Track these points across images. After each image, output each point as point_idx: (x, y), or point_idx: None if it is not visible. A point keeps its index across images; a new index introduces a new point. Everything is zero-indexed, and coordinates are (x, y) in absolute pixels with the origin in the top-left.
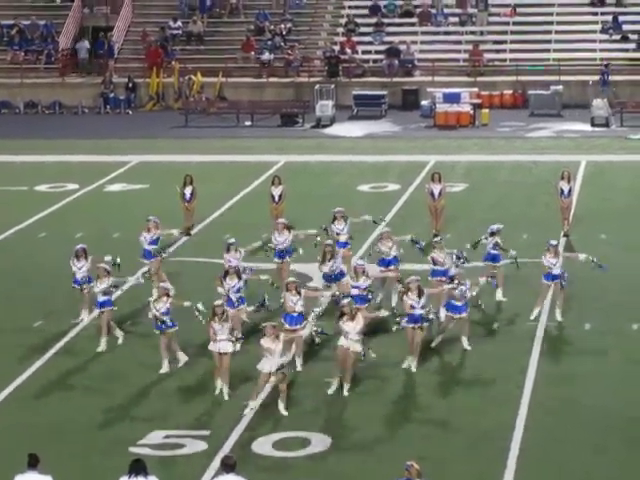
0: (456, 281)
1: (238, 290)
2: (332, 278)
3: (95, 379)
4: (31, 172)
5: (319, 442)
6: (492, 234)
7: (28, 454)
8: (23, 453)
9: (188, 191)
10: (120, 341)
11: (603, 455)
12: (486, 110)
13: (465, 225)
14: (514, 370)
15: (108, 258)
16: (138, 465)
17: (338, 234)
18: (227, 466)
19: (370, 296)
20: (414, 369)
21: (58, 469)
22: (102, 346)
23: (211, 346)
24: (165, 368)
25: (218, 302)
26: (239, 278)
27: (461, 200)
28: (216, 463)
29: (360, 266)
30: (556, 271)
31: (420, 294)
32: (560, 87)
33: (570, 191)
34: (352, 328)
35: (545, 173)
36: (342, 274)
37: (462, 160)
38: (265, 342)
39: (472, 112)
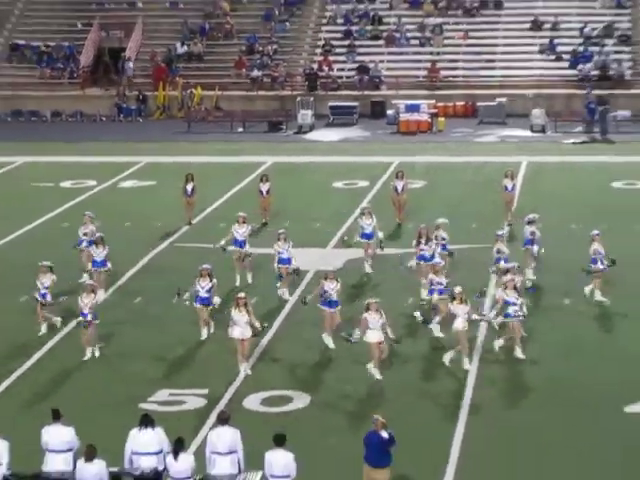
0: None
1: (208, 290)
2: (429, 258)
3: (111, 347)
4: (56, 171)
5: (300, 399)
6: (529, 223)
7: (52, 409)
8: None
9: (189, 187)
10: (59, 325)
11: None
12: (442, 119)
13: (424, 216)
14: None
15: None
16: (146, 419)
17: (364, 229)
18: (222, 420)
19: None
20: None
21: (78, 423)
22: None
23: (231, 332)
24: (204, 335)
25: (241, 294)
26: (210, 279)
27: (420, 195)
28: (213, 417)
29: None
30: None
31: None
32: (504, 99)
33: (513, 187)
34: (462, 310)
35: (492, 172)
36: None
37: (421, 161)
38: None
39: (430, 120)
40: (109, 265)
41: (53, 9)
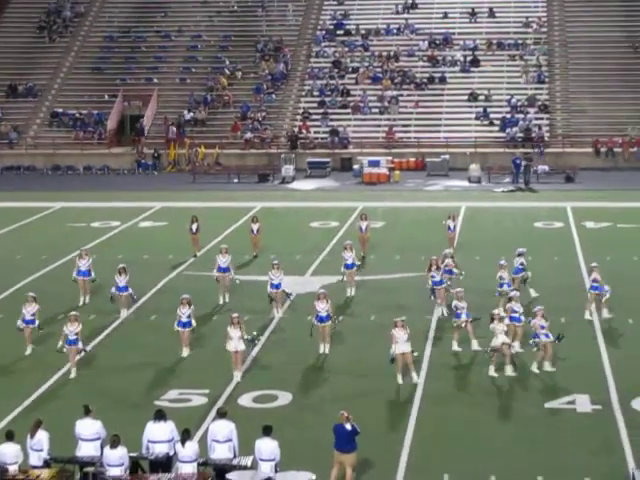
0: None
1: (189, 316)
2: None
3: (131, 356)
4: (87, 214)
5: (284, 398)
6: (519, 255)
7: (83, 406)
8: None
9: (194, 226)
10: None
11: None
12: (397, 172)
13: (383, 250)
14: None
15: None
16: (160, 413)
17: (346, 260)
18: (220, 414)
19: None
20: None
21: (105, 417)
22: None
23: (228, 346)
24: (185, 353)
25: (234, 314)
26: (189, 306)
27: (380, 233)
28: (213, 412)
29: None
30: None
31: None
32: (447, 156)
33: (455, 227)
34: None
35: (438, 214)
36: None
37: (381, 206)
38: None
39: (388, 173)
40: (130, 290)
41: (85, 84)
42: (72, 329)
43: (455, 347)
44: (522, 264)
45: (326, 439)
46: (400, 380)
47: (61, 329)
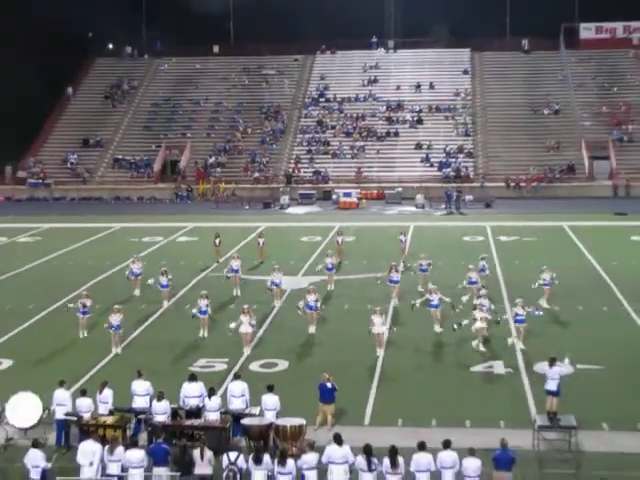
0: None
1: (207, 305)
2: (396, 282)
3: (171, 335)
4: (139, 231)
5: (282, 364)
6: (482, 258)
7: (137, 370)
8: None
9: (217, 240)
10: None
11: None
12: (364, 200)
13: (355, 257)
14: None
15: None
16: (193, 376)
17: (327, 264)
18: (236, 376)
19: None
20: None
21: (153, 379)
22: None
23: (240, 328)
24: (202, 334)
25: (245, 305)
26: (207, 299)
27: (352, 245)
28: (230, 375)
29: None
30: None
31: None
32: (400, 189)
33: (405, 241)
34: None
35: (393, 231)
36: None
37: (352, 225)
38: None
39: (357, 201)
40: (170, 287)
41: (138, 137)
42: (115, 318)
43: (437, 329)
44: (484, 266)
45: (313, 394)
46: (377, 353)
47: (107, 318)
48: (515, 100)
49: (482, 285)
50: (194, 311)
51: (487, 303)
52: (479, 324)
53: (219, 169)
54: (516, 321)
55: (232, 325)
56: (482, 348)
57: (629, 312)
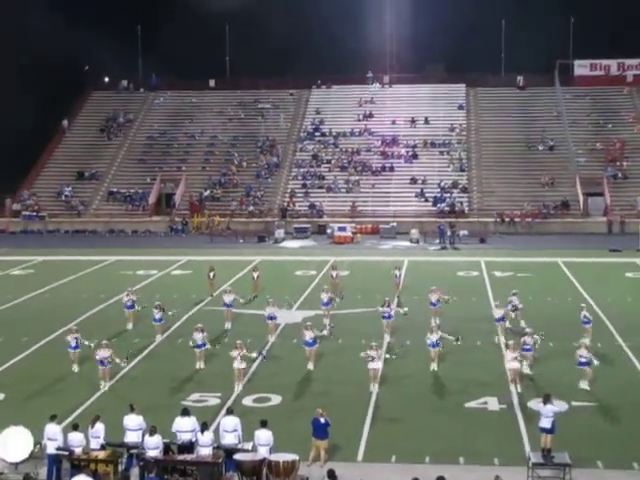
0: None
1: (203, 339)
2: (389, 317)
3: (164, 369)
4: (133, 264)
5: (275, 399)
6: (514, 294)
7: (129, 404)
8: (129, 402)
9: (212, 274)
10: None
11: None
12: (359, 235)
13: (349, 292)
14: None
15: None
16: (185, 410)
17: (323, 299)
18: (229, 411)
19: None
20: None
21: (145, 413)
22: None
23: (233, 364)
24: (199, 366)
25: (238, 341)
26: (203, 332)
27: (347, 279)
28: (223, 410)
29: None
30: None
31: None
32: (395, 223)
33: (400, 275)
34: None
35: (387, 266)
36: None
37: (347, 259)
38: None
39: (352, 236)
40: (164, 320)
41: (133, 170)
42: (103, 354)
43: (433, 367)
44: (514, 301)
45: (306, 429)
46: (371, 389)
47: (94, 354)
48: (510, 136)
49: (522, 326)
50: (192, 344)
51: (531, 341)
52: (513, 364)
53: (214, 203)
54: (580, 364)
55: (254, 355)
56: (519, 389)
57: (623, 348)
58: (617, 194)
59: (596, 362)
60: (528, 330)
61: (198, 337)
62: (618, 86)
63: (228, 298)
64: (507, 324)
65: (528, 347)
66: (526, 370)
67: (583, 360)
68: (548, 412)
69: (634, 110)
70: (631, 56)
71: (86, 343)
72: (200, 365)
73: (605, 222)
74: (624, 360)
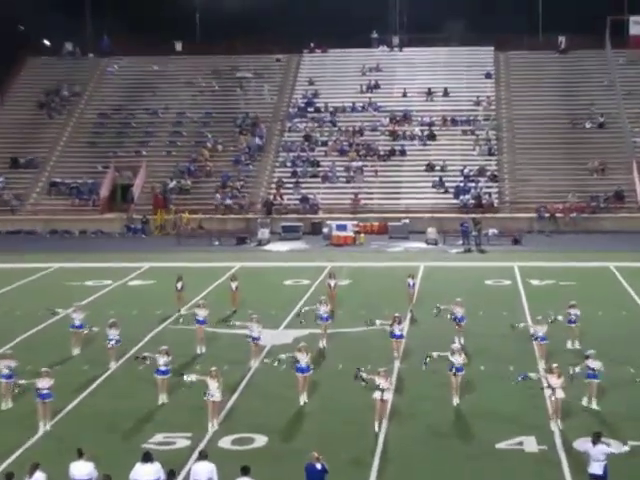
0: None
1: (166, 364)
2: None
3: (123, 402)
4: (82, 273)
5: (260, 440)
6: (571, 306)
7: (77, 449)
8: (76, 446)
9: (179, 285)
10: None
11: None
12: (362, 235)
13: (350, 305)
14: None
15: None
16: (147, 455)
17: (320, 314)
18: (202, 456)
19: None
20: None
21: (97, 459)
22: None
23: (206, 396)
24: (161, 400)
25: (213, 368)
26: (168, 356)
27: (347, 290)
28: (195, 454)
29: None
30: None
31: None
32: (407, 220)
33: (414, 284)
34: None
35: (398, 273)
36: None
37: (347, 265)
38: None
39: (354, 236)
40: (120, 342)
41: (80, 156)
42: (44, 383)
43: (455, 401)
44: (575, 314)
45: (298, 478)
46: (376, 427)
47: (33, 384)
48: (549, 111)
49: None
50: (154, 373)
51: (598, 366)
52: (558, 393)
53: (182, 196)
54: (588, 376)
55: (188, 378)
56: (560, 426)
57: None
58: None
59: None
60: (591, 352)
61: (161, 362)
62: None
63: (202, 313)
64: (569, 345)
65: (594, 374)
66: (593, 405)
67: (590, 372)
68: (599, 454)
69: None
70: None
71: (20, 382)
72: (163, 398)
73: None
74: None
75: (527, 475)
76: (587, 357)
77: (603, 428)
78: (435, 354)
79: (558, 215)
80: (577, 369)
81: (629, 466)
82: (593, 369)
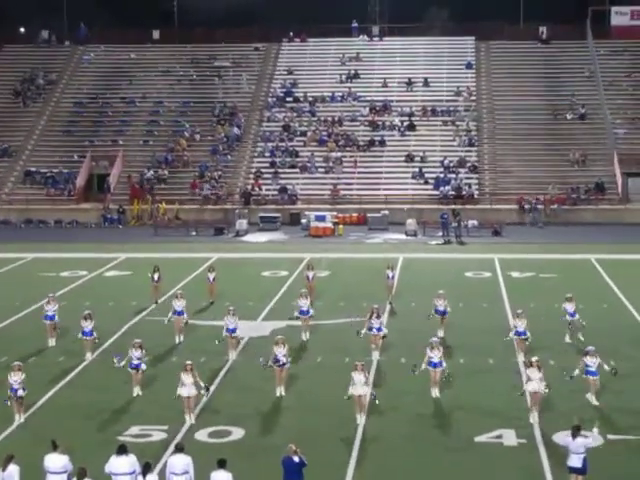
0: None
1: (139, 358)
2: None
3: (96, 395)
4: (57, 264)
5: (237, 433)
6: (568, 300)
7: (51, 440)
8: (50, 438)
9: (156, 276)
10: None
11: None
12: (341, 226)
13: (329, 297)
14: None
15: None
16: (122, 448)
17: (301, 307)
18: (178, 449)
19: None
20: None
21: (72, 452)
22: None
23: (179, 390)
24: (135, 393)
25: (188, 362)
26: (141, 349)
27: (325, 282)
28: (171, 447)
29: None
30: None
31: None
32: (387, 212)
33: (393, 276)
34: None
35: (377, 264)
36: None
37: (326, 256)
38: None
39: (333, 227)
40: (95, 334)
41: (56, 145)
42: (16, 378)
43: (434, 393)
44: (569, 309)
45: (275, 471)
46: (357, 419)
47: (6, 379)
48: (530, 102)
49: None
50: (122, 364)
51: (592, 362)
52: (533, 385)
53: (159, 186)
54: (587, 373)
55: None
56: (537, 419)
57: None
58: None
59: (607, 368)
60: (590, 348)
61: (135, 355)
62: None
63: (179, 304)
64: (567, 339)
65: (593, 370)
66: (593, 401)
67: (591, 369)
68: (578, 447)
69: None
70: None
71: None
72: (137, 391)
73: None
74: None
75: (506, 468)
76: (586, 353)
77: (583, 421)
78: (423, 366)
79: (538, 207)
80: (576, 371)
81: (608, 459)
82: (590, 366)
